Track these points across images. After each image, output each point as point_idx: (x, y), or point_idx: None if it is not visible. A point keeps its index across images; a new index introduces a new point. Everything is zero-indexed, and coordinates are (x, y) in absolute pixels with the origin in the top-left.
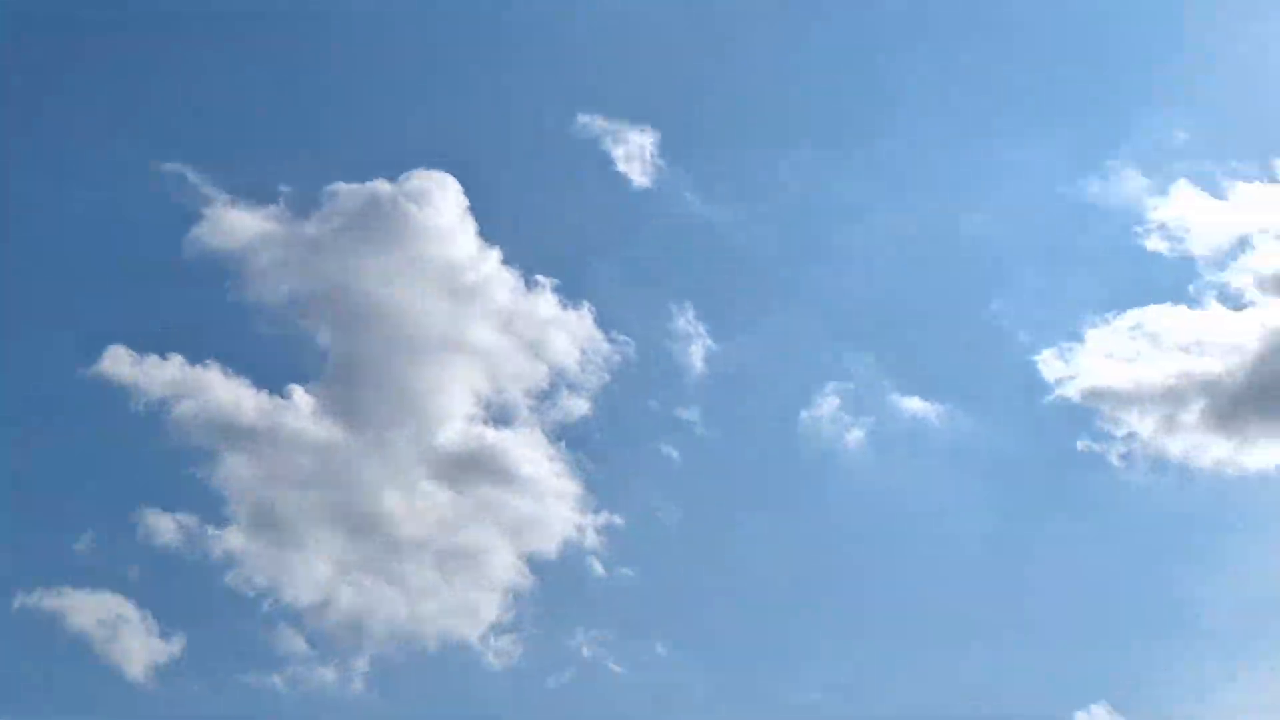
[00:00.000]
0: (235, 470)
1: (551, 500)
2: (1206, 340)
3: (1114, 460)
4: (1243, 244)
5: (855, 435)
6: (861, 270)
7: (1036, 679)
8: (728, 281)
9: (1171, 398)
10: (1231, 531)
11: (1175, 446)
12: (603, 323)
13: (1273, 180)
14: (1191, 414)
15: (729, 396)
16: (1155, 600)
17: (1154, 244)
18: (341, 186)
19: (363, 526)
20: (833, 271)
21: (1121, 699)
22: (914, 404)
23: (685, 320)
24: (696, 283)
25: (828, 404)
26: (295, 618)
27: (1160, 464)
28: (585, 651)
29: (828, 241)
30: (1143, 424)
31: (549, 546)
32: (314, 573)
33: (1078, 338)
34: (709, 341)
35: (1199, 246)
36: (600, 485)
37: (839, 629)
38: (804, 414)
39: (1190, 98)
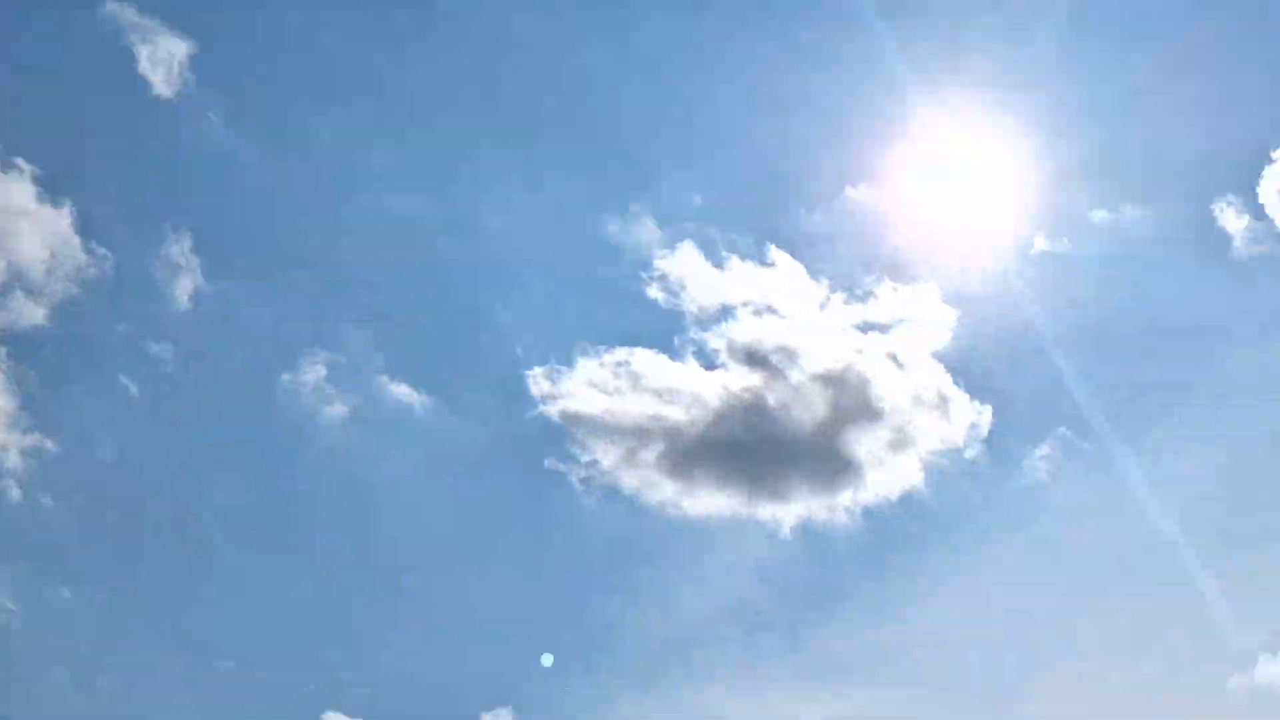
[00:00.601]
0: None
1: None
2: (678, 390)
3: (575, 483)
4: (726, 312)
5: (337, 409)
6: (377, 244)
7: (450, 675)
8: (236, 221)
9: (637, 436)
10: (664, 567)
11: (630, 481)
12: (84, 229)
13: (763, 263)
14: (650, 454)
15: (211, 341)
16: (582, 619)
17: (654, 292)
18: None
19: None
20: (348, 238)
21: (527, 707)
22: (401, 390)
23: (180, 250)
24: (201, 214)
25: (314, 372)
26: None
27: (614, 494)
28: None
29: (350, 206)
30: (607, 454)
31: None
32: None
33: (569, 362)
34: (201, 278)
35: (690, 305)
36: (38, 404)
37: (268, 600)
38: (286, 376)
39: (713, 169)
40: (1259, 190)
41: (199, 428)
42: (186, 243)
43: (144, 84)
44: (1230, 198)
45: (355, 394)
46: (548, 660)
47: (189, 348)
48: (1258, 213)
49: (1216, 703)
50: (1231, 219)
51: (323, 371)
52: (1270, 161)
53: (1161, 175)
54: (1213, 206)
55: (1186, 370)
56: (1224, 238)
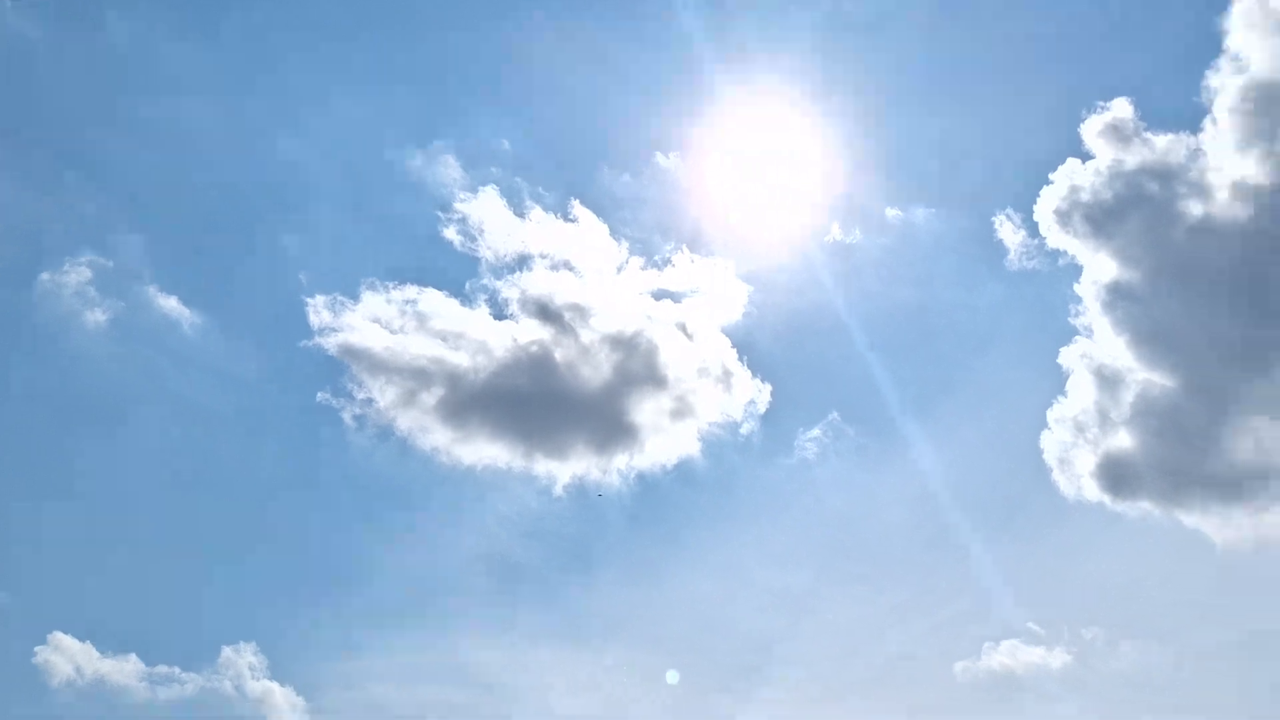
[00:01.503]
0: None
1: None
2: (465, 336)
3: (347, 419)
4: (523, 263)
5: (97, 316)
6: (163, 150)
7: (193, 606)
8: (9, 106)
9: (418, 378)
10: (430, 513)
11: (405, 423)
12: None
13: (566, 218)
14: (430, 398)
15: None
16: (338, 558)
17: (450, 234)
18: None
19: None
20: (132, 139)
21: (271, 643)
22: (170, 304)
23: None
24: None
25: (77, 274)
26: None
27: (387, 435)
28: None
29: (138, 107)
30: (384, 394)
31: None
32: None
33: (353, 295)
34: None
35: (487, 252)
36: None
37: None
38: (46, 276)
39: (525, 117)
40: (1036, 208)
41: None
42: None
43: None
44: (1010, 212)
45: (119, 301)
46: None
47: None
48: (1032, 230)
49: (945, 687)
50: (1009, 232)
51: (86, 274)
52: (1049, 183)
53: (952, 182)
54: (994, 218)
55: (953, 369)
56: (1001, 249)
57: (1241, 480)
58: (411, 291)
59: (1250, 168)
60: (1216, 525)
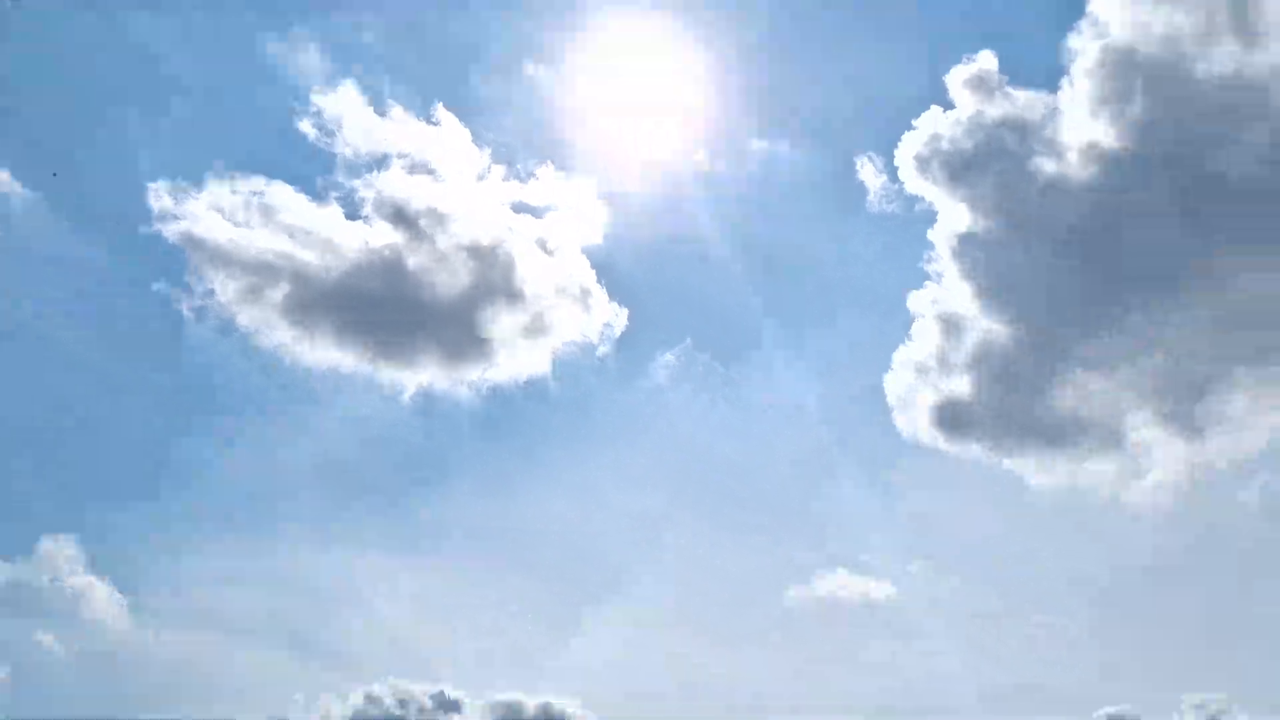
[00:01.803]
0: None
1: None
2: (315, 234)
3: (185, 311)
4: (381, 163)
5: None
6: (5, 17)
7: (4, 497)
8: None
9: (263, 273)
10: (269, 415)
11: (247, 319)
12: None
13: (429, 120)
14: (275, 294)
15: None
16: (168, 454)
17: (306, 127)
18: None
19: None
20: None
21: (93, 538)
22: (15, 189)
23: None
24: None
25: None
26: None
27: (228, 330)
28: None
29: None
30: (225, 288)
31: None
32: None
33: (198, 182)
34: None
35: (344, 148)
36: None
37: None
38: None
39: (390, 10)
40: (897, 153)
41: None
42: None
43: None
44: (872, 155)
45: None
46: None
47: None
48: (893, 174)
49: (774, 613)
50: (871, 175)
51: None
52: (911, 129)
53: (820, 120)
54: (857, 159)
55: (808, 304)
56: (862, 190)
57: (1064, 430)
58: (259, 183)
59: (1101, 131)
60: (1035, 470)
